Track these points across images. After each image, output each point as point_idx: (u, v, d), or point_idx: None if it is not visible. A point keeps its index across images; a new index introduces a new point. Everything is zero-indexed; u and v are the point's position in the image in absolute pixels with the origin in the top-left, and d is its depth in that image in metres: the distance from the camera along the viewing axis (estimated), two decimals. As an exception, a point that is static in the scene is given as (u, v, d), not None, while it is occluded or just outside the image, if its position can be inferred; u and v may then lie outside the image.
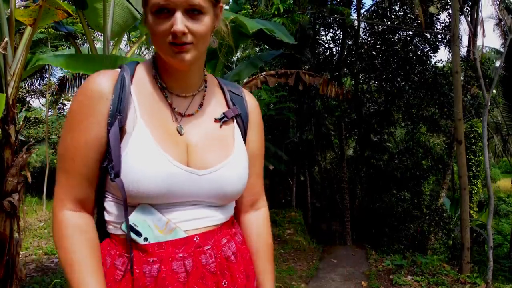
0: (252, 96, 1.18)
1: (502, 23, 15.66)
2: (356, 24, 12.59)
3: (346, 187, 13.70)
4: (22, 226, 5.41)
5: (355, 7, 13.13)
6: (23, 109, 15.00)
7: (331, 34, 13.48)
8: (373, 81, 13.94)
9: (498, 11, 14.63)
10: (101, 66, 2.63)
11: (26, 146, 2.86)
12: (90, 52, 3.58)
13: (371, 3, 12.20)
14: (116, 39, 3.77)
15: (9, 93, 2.65)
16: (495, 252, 18.82)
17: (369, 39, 13.17)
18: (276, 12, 5.91)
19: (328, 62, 12.84)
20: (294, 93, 12.60)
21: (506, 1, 16.23)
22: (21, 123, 3.11)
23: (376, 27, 13.37)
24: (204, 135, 1.02)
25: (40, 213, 9.93)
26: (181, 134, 0.99)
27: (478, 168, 20.82)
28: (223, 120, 1.06)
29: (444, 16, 24.38)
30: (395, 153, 12.34)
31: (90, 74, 1.37)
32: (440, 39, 13.17)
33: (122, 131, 0.93)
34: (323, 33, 13.69)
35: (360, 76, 14.13)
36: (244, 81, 6.57)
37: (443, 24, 13.20)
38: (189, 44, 0.91)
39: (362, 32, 13.79)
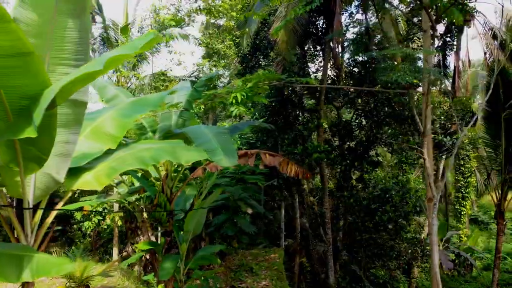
0: None
1: (487, 55, 15.58)
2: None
3: (329, 222, 13.79)
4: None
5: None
6: None
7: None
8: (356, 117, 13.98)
9: (485, 46, 14.57)
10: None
11: None
12: None
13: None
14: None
15: None
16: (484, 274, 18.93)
17: (350, 82, 13.22)
18: (234, 101, 5.93)
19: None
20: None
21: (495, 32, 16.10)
22: None
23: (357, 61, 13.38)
24: None
25: None
26: None
27: (467, 190, 20.85)
28: None
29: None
30: (375, 195, 12.37)
31: None
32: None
33: None
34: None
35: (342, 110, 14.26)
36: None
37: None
38: None
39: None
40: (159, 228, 8.19)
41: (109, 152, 3.89)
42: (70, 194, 3.75)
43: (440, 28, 13.23)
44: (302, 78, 12.89)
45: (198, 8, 13.98)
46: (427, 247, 15.21)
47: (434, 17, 7.31)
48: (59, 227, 18.35)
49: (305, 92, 12.90)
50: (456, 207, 21.08)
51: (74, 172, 3.69)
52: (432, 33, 7.56)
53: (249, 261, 11.74)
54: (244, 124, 7.36)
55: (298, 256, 16.68)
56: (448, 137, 12.20)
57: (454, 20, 7.24)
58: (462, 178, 20.60)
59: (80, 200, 10.95)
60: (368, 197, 12.92)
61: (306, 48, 13.88)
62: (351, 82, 13.66)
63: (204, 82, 6.11)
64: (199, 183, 9.64)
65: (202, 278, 8.72)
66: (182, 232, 6.35)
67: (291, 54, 11.62)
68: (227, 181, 8.93)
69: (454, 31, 12.33)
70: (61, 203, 3.71)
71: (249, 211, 10.86)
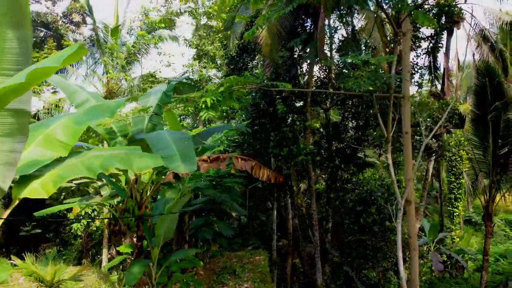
0: None
1: (475, 57, 15.54)
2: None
3: (316, 224, 13.79)
4: None
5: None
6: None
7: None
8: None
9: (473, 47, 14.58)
10: None
11: None
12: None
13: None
14: None
15: None
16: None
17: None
18: (203, 106, 5.93)
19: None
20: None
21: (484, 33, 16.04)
22: None
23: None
24: None
25: None
26: None
27: (460, 191, 20.80)
28: None
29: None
30: (361, 197, 12.36)
31: None
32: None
33: None
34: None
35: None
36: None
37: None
38: None
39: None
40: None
41: (60, 160, 3.90)
42: (17, 202, 3.76)
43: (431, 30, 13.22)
44: (290, 79, 13.01)
45: (179, 11, 14.02)
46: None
47: (400, 21, 7.25)
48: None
49: (290, 94, 12.88)
50: (448, 208, 21.06)
51: (23, 180, 3.71)
52: (397, 38, 7.49)
53: (233, 264, 11.76)
54: (218, 128, 7.38)
55: (291, 257, 16.69)
56: (433, 139, 12.19)
57: (428, 24, 7.17)
58: (454, 179, 20.58)
59: (64, 202, 10.99)
60: (354, 199, 12.91)
61: (294, 50, 13.86)
62: (341, 84, 13.62)
63: (175, 86, 6.12)
64: (182, 186, 9.67)
65: (184, 280, 8.75)
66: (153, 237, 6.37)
67: (277, 56, 11.61)
68: (207, 184, 8.94)
69: (440, 33, 12.28)
70: (7, 211, 3.72)
71: (234, 213, 10.89)
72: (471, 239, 22.77)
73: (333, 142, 14.36)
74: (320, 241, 14.12)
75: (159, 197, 8.89)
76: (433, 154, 13.13)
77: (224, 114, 13.30)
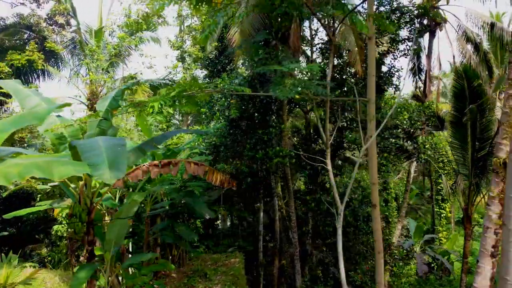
0: None
1: (456, 59, 15.50)
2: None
3: (294, 226, 13.78)
4: None
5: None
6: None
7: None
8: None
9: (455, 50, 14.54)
10: None
11: None
12: None
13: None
14: None
15: None
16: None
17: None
18: (151, 111, 5.94)
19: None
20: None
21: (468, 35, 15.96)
22: None
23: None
24: None
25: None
26: None
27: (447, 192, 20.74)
28: None
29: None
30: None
31: None
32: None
33: None
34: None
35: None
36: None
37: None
38: None
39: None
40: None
41: (-21, 168, 3.91)
42: None
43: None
44: (266, 81, 12.99)
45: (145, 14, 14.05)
46: (395, 251, 15.19)
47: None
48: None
49: (266, 97, 12.86)
50: (435, 209, 21.04)
51: None
52: (330, 45, 7.40)
53: (207, 266, 11.78)
54: (173, 133, 7.36)
55: (277, 259, 16.68)
56: (409, 141, 12.17)
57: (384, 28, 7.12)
58: (441, 180, 20.52)
59: (36, 205, 11.02)
60: (330, 201, 12.88)
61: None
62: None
63: (123, 91, 6.13)
64: (151, 189, 9.68)
65: (150, 283, 8.77)
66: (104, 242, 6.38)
67: (250, 59, 11.60)
68: (172, 188, 8.94)
69: (416, 35, 12.24)
70: None
71: (207, 216, 10.88)
72: (460, 240, 22.70)
73: (313, 144, 14.36)
74: (300, 243, 14.12)
75: (125, 200, 8.91)
76: (412, 157, 13.11)
77: (204, 116, 13.30)
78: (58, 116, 6.71)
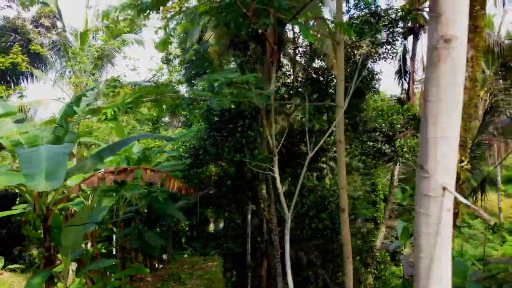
0: None
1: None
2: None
3: (275, 228, 13.78)
4: None
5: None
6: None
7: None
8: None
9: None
10: None
11: None
12: None
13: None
14: None
15: None
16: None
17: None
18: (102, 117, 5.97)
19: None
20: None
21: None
22: None
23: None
24: None
25: None
26: None
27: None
28: None
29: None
30: (317, 203, 12.36)
31: None
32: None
33: None
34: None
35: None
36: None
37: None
38: None
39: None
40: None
41: None
42: None
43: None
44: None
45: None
46: (377, 253, 15.18)
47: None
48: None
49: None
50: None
51: None
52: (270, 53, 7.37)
53: (183, 270, 11.75)
54: (132, 138, 7.37)
55: (266, 261, 16.68)
56: (386, 145, 12.16)
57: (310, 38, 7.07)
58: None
59: (12, 208, 11.05)
60: (311, 204, 12.89)
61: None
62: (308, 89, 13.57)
63: (79, 97, 6.15)
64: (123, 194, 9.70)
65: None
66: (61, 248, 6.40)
67: (227, 62, 11.63)
68: (140, 193, 8.96)
69: (394, 38, 12.21)
70: None
71: (185, 221, 10.91)
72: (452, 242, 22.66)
73: (295, 148, 14.34)
74: (280, 245, 14.12)
75: (94, 205, 8.93)
76: (391, 160, 13.10)
77: (185, 119, 13.32)
78: (17, 122, 6.75)
